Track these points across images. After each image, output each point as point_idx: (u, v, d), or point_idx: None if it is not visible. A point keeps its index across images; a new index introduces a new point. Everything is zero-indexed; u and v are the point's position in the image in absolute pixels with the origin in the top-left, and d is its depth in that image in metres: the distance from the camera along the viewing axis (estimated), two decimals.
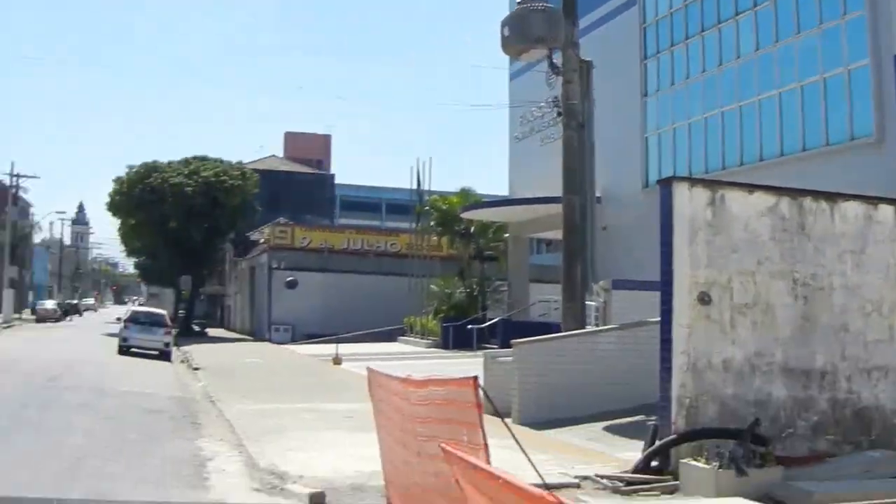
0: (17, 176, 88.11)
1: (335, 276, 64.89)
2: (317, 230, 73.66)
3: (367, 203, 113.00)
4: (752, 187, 15.19)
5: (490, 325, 44.21)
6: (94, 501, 11.76)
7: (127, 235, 77.64)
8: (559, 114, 26.47)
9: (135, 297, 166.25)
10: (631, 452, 15.41)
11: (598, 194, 29.05)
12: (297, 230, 70.96)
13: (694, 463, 13.06)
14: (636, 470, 14.04)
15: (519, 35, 25.38)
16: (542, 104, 38.47)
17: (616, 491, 13.24)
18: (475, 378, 7.96)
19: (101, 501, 11.81)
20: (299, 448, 16.68)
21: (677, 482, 13.29)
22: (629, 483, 13.58)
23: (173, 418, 22.13)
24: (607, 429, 18.92)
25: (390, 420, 10.64)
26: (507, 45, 26.00)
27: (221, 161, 74.67)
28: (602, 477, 13.91)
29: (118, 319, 58.74)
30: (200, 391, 28.75)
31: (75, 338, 60.78)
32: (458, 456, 6.97)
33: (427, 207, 57.97)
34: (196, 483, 14.04)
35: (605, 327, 24.06)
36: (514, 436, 9.79)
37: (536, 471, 9.43)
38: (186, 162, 73.65)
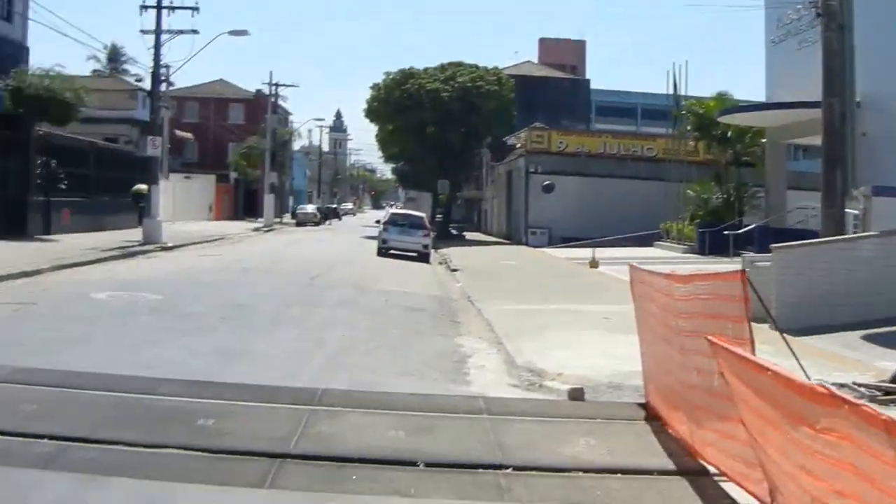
0: (276, 85, 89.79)
1: (591, 180, 64.43)
2: (573, 134, 73.04)
3: (622, 108, 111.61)
4: None
5: (746, 231, 43.35)
6: (358, 392, 12.06)
7: (384, 141, 78.68)
8: (818, 15, 25.65)
9: (392, 202, 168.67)
10: (888, 362, 15.02)
11: (857, 99, 28.14)
12: (554, 134, 70.51)
13: None
14: (894, 380, 13.71)
15: None
16: (800, 6, 37.30)
17: (873, 400, 12.91)
18: (743, 271, 7.87)
19: (365, 392, 12.10)
20: (556, 347, 16.77)
21: None
22: (887, 392, 13.26)
23: (433, 316, 22.55)
24: (865, 337, 18.46)
25: (652, 317, 10.61)
26: None
27: (477, 67, 74.84)
28: (859, 385, 13.61)
29: (377, 222, 59.79)
30: (459, 291, 29.16)
31: (334, 240, 62.23)
32: (725, 348, 6.93)
33: (683, 112, 57.04)
34: (456, 378, 14.29)
35: (865, 234, 23.42)
36: (783, 336, 9.67)
37: (805, 372, 9.30)
38: (442, 68, 74.16)
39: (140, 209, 47.30)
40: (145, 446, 8.93)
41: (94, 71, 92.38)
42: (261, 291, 25.29)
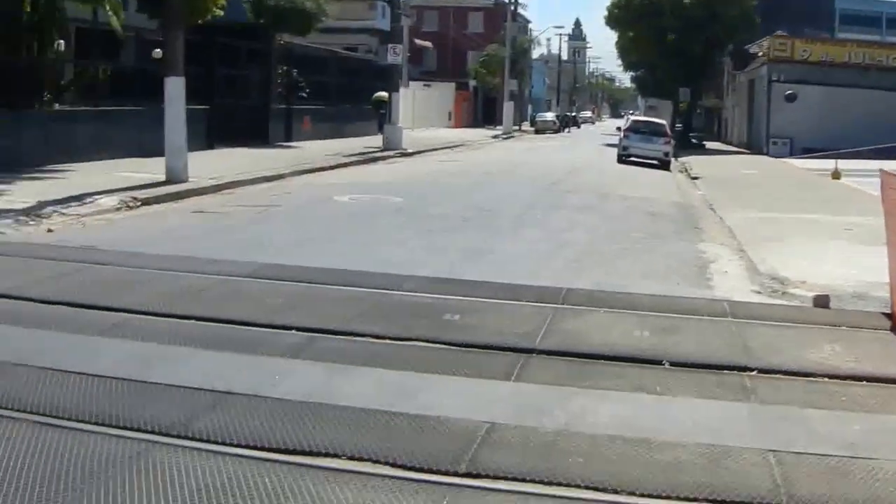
0: None
1: (834, 90, 62.33)
2: (817, 43, 70.72)
3: (867, 16, 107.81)
4: None
5: None
6: (601, 291, 12.05)
7: (624, 49, 78.04)
8: None
9: (630, 111, 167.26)
10: None
11: None
12: (797, 43, 68.39)
13: None
14: None
15: None
16: None
17: None
18: None
19: (608, 292, 12.08)
20: (799, 255, 16.43)
21: None
22: None
23: (674, 221, 22.39)
24: None
25: None
26: None
27: None
28: None
29: (618, 129, 59.50)
30: (699, 199, 28.86)
31: (574, 147, 62.37)
32: None
33: None
34: (699, 282, 14.15)
35: None
36: None
37: None
38: None
39: (380, 116, 48.01)
40: (392, 339, 9.12)
41: None
42: (502, 195, 25.58)
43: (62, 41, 29.65)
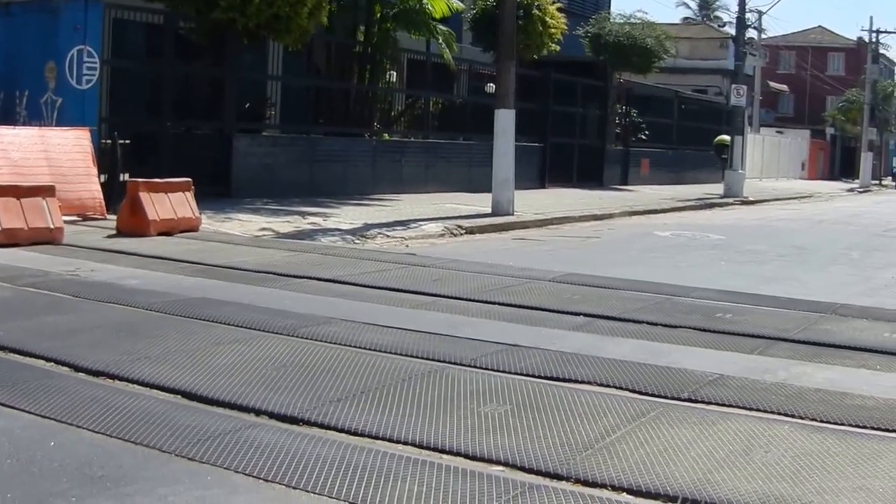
0: (878, 32, 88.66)
1: None
2: None
3: None
4: None
5: None
6: (878, 309, 13.47)
7: None
8: None
9: None
10: None
11: None
12: None
13: None
14: None
15: None
16: None
17: None
18: None
19: (881, 308, 13.64)
20: None
21: None
22: None
23: None
24: None
25: None
26: None
27: None
28: None
29: None
30: None
31: None
32: None
33: None
34: None
35: None
36: None
37: None
38: None
39: (722, 161, 49.43)
40: (664, 325, 11.57)
41: (685, 18, 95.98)
42: (826, 239, 27.33)
43: (394, 72, 33.10)
